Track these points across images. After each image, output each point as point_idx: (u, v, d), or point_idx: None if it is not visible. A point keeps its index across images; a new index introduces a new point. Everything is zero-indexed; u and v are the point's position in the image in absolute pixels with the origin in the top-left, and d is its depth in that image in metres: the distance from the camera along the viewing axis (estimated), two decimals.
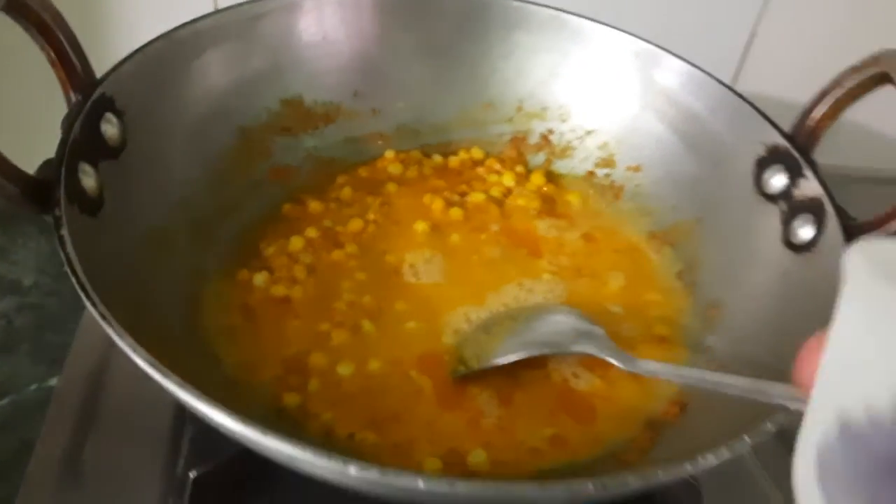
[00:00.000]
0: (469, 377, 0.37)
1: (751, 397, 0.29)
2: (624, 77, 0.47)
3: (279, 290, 0.39)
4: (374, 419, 0.34)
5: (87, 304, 0.27)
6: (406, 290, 0.41)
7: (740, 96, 0.43)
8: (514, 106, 0.50)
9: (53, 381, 0.59)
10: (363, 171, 0.48)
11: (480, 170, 0.50)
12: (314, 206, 0.45)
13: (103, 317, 0.27)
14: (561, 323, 0.37)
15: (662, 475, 0.25)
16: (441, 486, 0.24)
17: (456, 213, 0.46)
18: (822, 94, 0.40)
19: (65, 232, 0.29)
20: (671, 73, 0.45)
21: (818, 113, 0.40)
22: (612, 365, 0.37)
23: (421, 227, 0.45)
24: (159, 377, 0.26)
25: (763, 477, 0.40)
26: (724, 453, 0.27)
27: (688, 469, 0.26)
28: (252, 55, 0.44)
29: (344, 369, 0.36)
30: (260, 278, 0.40)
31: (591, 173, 0.49)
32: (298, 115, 0.47)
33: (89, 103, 0.35)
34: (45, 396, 0.58)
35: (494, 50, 0.49)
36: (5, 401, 0.58)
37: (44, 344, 0.61)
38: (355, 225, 0.44)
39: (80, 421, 0.40)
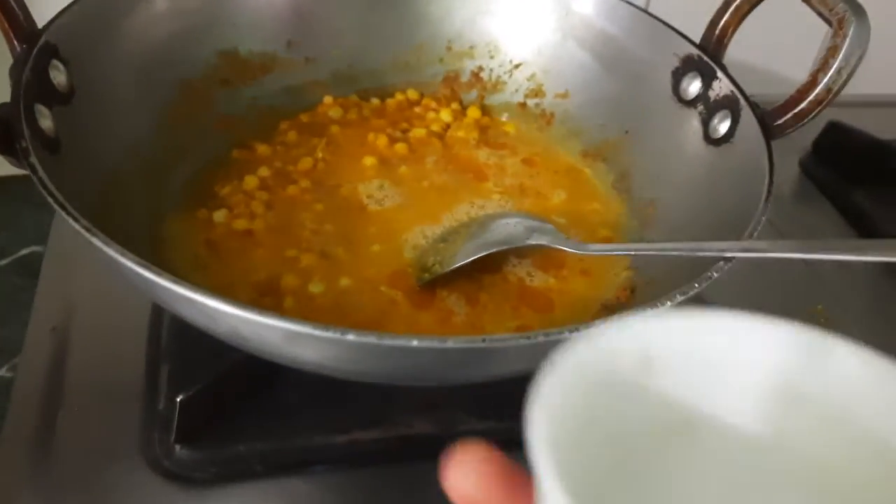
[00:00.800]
0: (435, 283, 0.39)
1: (694, 254, 0.33)
2: (543, 9, 0.50)
3: (240, 224, 0.41)
4: (353, 328, 0.36)
5: (70, 220, 0.28)
6: (365, 216, 0.43)
7: (651, 15, 0.47)
8: (444, 46, 0.53)
9: (2, 372, 0.58)
10: (305, 117, 0.50)
11: (418, 109, 0.52)
12: (262, 149, 0.46)
13: (89, 230, 0.28)
14: (513, 224, 0.40)
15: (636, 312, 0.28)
16: (433, 343, 0.26)
17: (401, 147, 0.48)
18: (727, 4, 0.44)
19: (34, 160, 0.30)
20: (586, 1, 0.49)
21: (723, 20, 0.44)
22: (564, 264, 0.41)
23: (369, 161, 0.46)
24: (151, 275, 0.27)
25: None
26: (678, 297, 0.30)
27: (658, 305, 0.29)
28: (188, 5, 0.44)
29: (315, 287, 0.38)
30: (220, 215, 0.41)
31: (523, 104, 0.52)
32: (236, 67, 0.48)
33: (35, 51, 0.35)
34: None
35: None
36: None
37: None
38: (305, 163, 0.46)
39: (48, 397, 0.40)
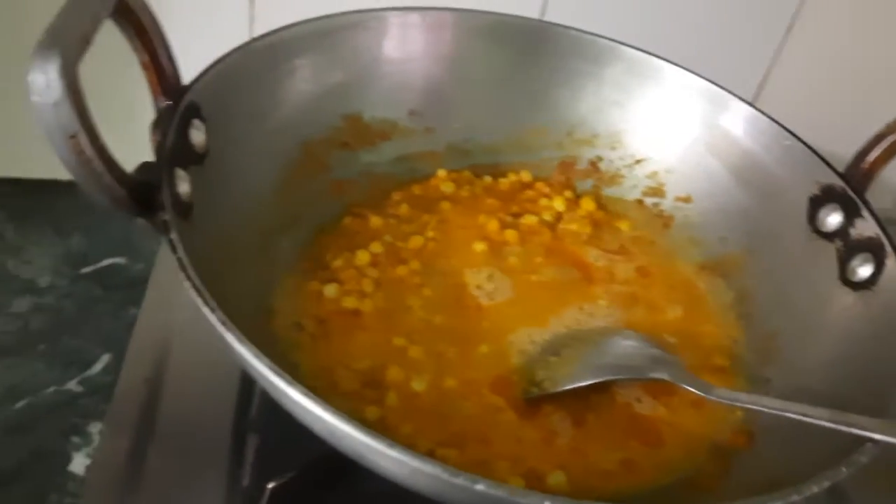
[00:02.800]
0: (541, 399, 0.37)
1: (835, 428, 0.30)
2: (683, 114, 0.49)
3: (350, 303, 0.40)
4: (454, 436, 0.35)
5: (206, 310, 0.27)
6: (474, 311, 0.42)
7: (796, 137, 0.45)
8: (565, 131, 0.51)
9: (71, 385, 0.59)
10: (417, 189, 0.49)
11: (530, 192, 0.51)
12: (374, 221, 0.46)
13: (224, 324, 0.27)
14: (631, 347, 0.38)
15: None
16: None
17: (511, 234, 0.47)
18: (879, 138, 0.42)
19: (174, 235, 0.29)
20: (736, 117, 0.47)
21: (873, 156, 0.42)
22: (675, 392, 0.38)
23: (479, 247, 0.45)
24: (280, 382, 0.26)
25: None
26: (824, 482, 0.27)
27: (794, 498, 0.26)
28: (325, 69, 0.44)
29: (419, 385, 0.37)
30: (331, 290, 0.40)
31: (640, 202, 0.51)
32: (357, 131, 0.48)
33: (181, 108, 0.35)
34: (61, 400, 0.57)
35: (550, 76, 0.50)
36: (21, 403, 0.56)
37: (60, 347, 0.60)
38: (416, 242, 0.45)
39: (138, 433, 0.40)
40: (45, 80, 0.26)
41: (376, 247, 0.43)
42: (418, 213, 0.47)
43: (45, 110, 0.27)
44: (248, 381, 0.41)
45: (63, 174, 0.71)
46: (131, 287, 0.63)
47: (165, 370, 0.42)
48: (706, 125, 0.48)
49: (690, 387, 0.35)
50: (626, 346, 0.38)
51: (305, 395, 0.25)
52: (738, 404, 0.35)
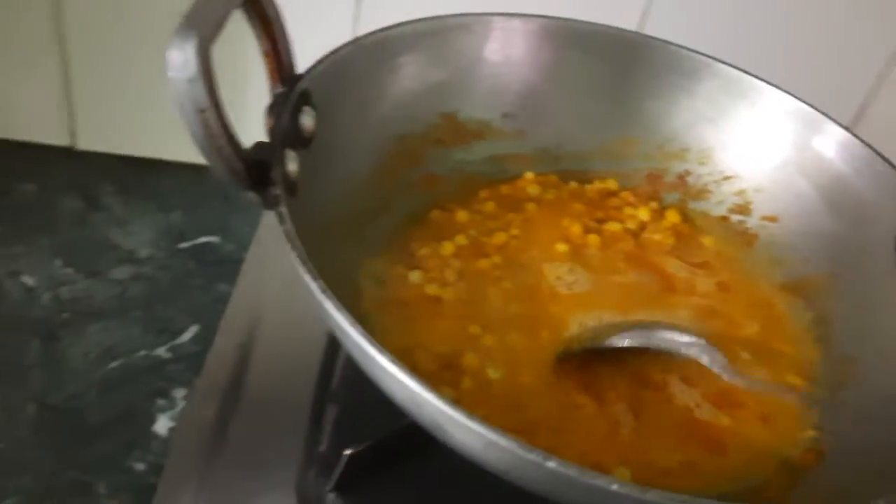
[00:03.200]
0: (601, 386, 0.38)
1: None
2: (776, 134, 0.49)
3: (432, 289, 0.42)
4: (526, 423, 0.36)
5: (308, 279, 0.30)
6: (549, 299, 0.43)
7: (892, 165, 0.44)
8: (656, 144, 0.52)
9: (160, 351, 0.62)
10: (504, 189, 0.50)
11: (615, 200, 0.51)
12: (461, 215, 0.47)
13: (324, 291, 0.29)
14: (675, 331, 0.39)
15: None
16: (633, 492, 0.25)
17: (593, 239, 0.48)
18: None
19: (283, 209, 0.32)
20: (831, 141, 0.47)
21: None
22: (742, 404, 0.39)
23: (561, 247, 0.46)
24: (370, 349, 0.28)
25: None
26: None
27: None
28: (428, 67, 0.46)
29: (495, 373, 0.38)
30: (415, 276, 0.42)
31: (725, 218, 0.51)
32: (452, 129, 0.49)
33: (294, 95, 0.37)
34: (151, 364, 0.61)
35: (644, 89, 0.51)
36: (115, 363, 0.61)
37: (153, 314, 0.64)
38: (499, 238, 0.46)
39: (226, 397, 0.42)
40: (182, 58, 0.29)
41: (461, 239, 0.45)
42: (504, 211, 0.48)
43: (180, 85, 0.29)
44: (330, 355, 0.43)
45: (168, 154, 0.76)
46: (222, 264, 0.67)
47: (255, 340, 0.44)
48: (799, 146, 0.48)
49: (719, 370, 0.36)
50: (671, 328, 0.39)
51: (394, 362, 0.27)
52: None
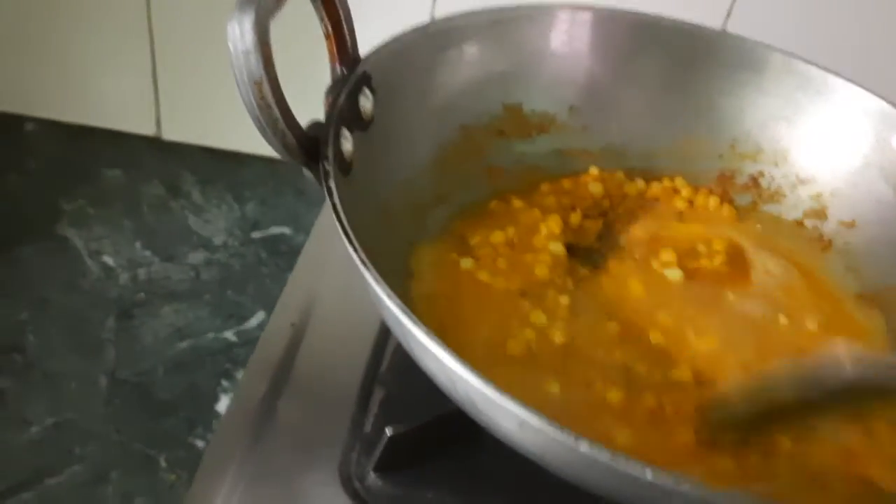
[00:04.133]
0: None
1: None
2: (855, 134, 0.46)
3: (483, 276, 0.41)
4: None
5: (351, 250, 0.30)
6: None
7: None
8: (728, 143, 0.50)
9: (228, 334, 0.64)
10: (567, 183, 0.49)
11: (678, 202, 0.50)
12: (518, 205, 0.47)
13: (364, 264, 0.29)
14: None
15: None
16: (667, 482, 0.24)
17: None
18: None
19: (332, 184, 0.32)
20: None
21: None
22: None
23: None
24: (409, 324, 0.27)
25: None
26: None
27: None
28: (492, 58, 0.46)
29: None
30: (467, 262, 0.42)
31: (800, 223, 0.48)
32: (515, 122, 0.49)
33: (354, 77, 0.38)
34: (218, 346, 0.63)
35: (717, 85, 0.49)
36: (185, 344, 0.63)
37: (224, 299, 0.66)
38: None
39: (277, 374, 0.43)
40: (239, 31, 0.30)
41: (511, 230, 0.44)
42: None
43: (237, 57, 0.30)
44: (382, 341, 0.43)
45: (247, 148, 0.78)
46: (293, 255, 0.68)
47: (309, 322, 0.45)
48: (880, 148, 0.45)
49: None
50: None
51: (428, 334, 0.27)
52: None
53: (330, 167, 0.33)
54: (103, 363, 0.60)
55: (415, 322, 0.27)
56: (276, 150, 0.33)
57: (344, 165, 0.36)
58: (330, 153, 0.33)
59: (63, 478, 0.52)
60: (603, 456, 0.25)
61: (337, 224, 0.30)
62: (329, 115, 0.35)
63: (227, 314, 0.66)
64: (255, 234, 0.72)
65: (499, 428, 0.28)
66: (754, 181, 0.50)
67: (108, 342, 0.61)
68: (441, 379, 0.29)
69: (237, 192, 0.75)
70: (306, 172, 0.35)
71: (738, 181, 0.50)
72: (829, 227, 0.47)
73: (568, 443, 0.25)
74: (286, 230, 0.73)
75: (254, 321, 0.65)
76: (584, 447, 0.25)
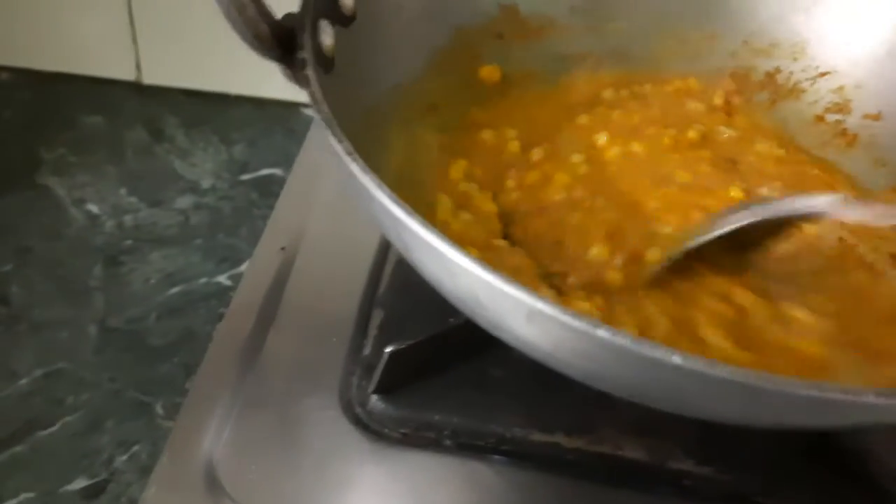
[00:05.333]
0: None
1: None
2: (879, 21, 0.43)
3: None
4: None
5: (334, 141, 0.27)
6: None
7: None
8: (741, 39, 0.46)
9: (221, 278, 0.62)
10: None
11: (692, 103, 0.46)
12: None
13: (349, 154, 0.26)
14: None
15: None
16: (699, 366, 0.22)
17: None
18: None
19: (310, 72, 0.29)
20: None
21: None
22: None
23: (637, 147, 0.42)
24: (403, 215, 0.25)
25: None
26: None
27: None
28: None
29: None
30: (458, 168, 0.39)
31: (821, 118, 0.45)
32: (513, 24, 0.45)
33: None
34: (211, 291, 0.60)
35: None
36: (176, 289, 0.60)
37: (215, 243, 0.63)
38: None
39: (267, 302, 0.40)
40: None
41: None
42: None
43: None
44: (379, 261, 0.41)
45: (232, 88, 0.74)
46: None
47: (301, 244, 0.42)
48: None
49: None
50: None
51: (425, 225, 0.24)
52: None
53: (307, 55, 0.29)
54: (92, 311, 0.57)
55: (408, 212, 0.24)
56: (248, 42, 0.30)
57: (323, 60, 0.32)
58: (307, 42, 0.30)
59: (56, 428, 0.50)
60: (624, 341, 0.22)
61: (316, 111, 0.27)
62: (305, 3, 0.32)
63: (220, 258, 0.63)
64: (245, 177, 0.69)
65: (505, 325, 0.25)
66: (770, 78, 0.46)
67: (97, 290, 0.58)
68: (441, 276, 0.26)
69: (224, 134, 0.72)
70: (282, 70, 0.32)
71: (754, 78, 0.47)
72: (853, 122, 0.44)
73: (585, 329, 0.22)
74: (277, 171, 0.70)
75: (247, 263, 0.63)
76: (602, 333, 0.22)
